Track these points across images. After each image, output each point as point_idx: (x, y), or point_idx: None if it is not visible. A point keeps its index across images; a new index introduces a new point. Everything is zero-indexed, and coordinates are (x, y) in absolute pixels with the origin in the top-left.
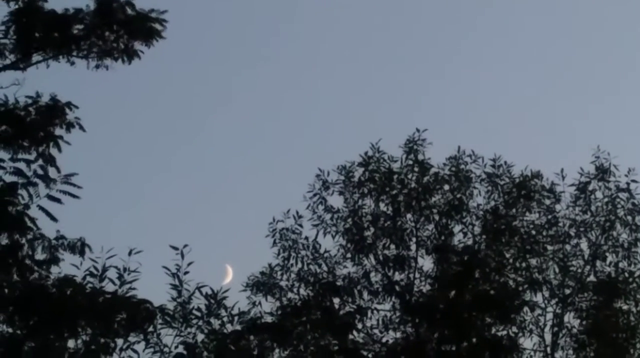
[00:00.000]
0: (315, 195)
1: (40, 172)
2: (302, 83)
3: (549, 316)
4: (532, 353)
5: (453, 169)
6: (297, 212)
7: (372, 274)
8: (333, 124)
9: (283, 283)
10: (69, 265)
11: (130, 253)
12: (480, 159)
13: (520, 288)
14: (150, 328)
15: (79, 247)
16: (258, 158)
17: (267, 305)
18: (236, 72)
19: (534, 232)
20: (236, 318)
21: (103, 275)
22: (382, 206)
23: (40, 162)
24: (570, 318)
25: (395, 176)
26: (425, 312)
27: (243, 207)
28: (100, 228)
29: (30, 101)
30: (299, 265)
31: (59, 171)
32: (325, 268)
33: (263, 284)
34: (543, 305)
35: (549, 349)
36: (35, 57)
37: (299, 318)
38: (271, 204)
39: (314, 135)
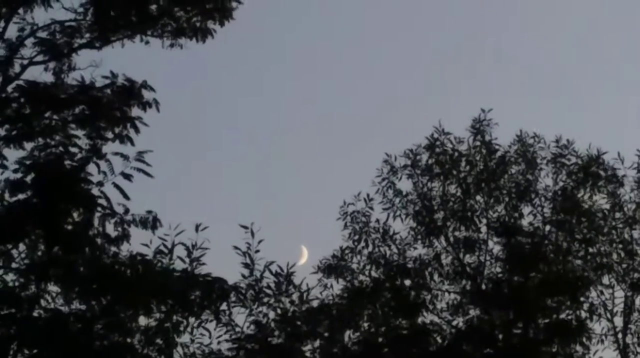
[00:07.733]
0: (384, 179)
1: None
2: (375, 68)
3: (619, 300)
4: (603, 337)
5: (519, 151)
6: (368, 195)
7: (443, 256)
8: (402, 107)
9: (354, 266)
10: (139, 243)
11: (197, 229)
12: (543, 139)
13: (586, 274)
14: (223, 307)
15: (151, 222)
16: (336, 136)
17: (338, 288)
18: (309, 54)
19: (600, 214)
20: (305, 295)
21: (172, 251)
22: (451, 188)
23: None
24: None
25: (464, 158)
26: (494, 295)
27: (320, 190)
28: (174, 208)
29: (107, 82)
30: (370, 247)
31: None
32: (395, 250)
33: (334, 268)
34: (611, 289)
35: (620, 334)
36: (112, 37)
37: (369, 299)
38: (344, 187)
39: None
